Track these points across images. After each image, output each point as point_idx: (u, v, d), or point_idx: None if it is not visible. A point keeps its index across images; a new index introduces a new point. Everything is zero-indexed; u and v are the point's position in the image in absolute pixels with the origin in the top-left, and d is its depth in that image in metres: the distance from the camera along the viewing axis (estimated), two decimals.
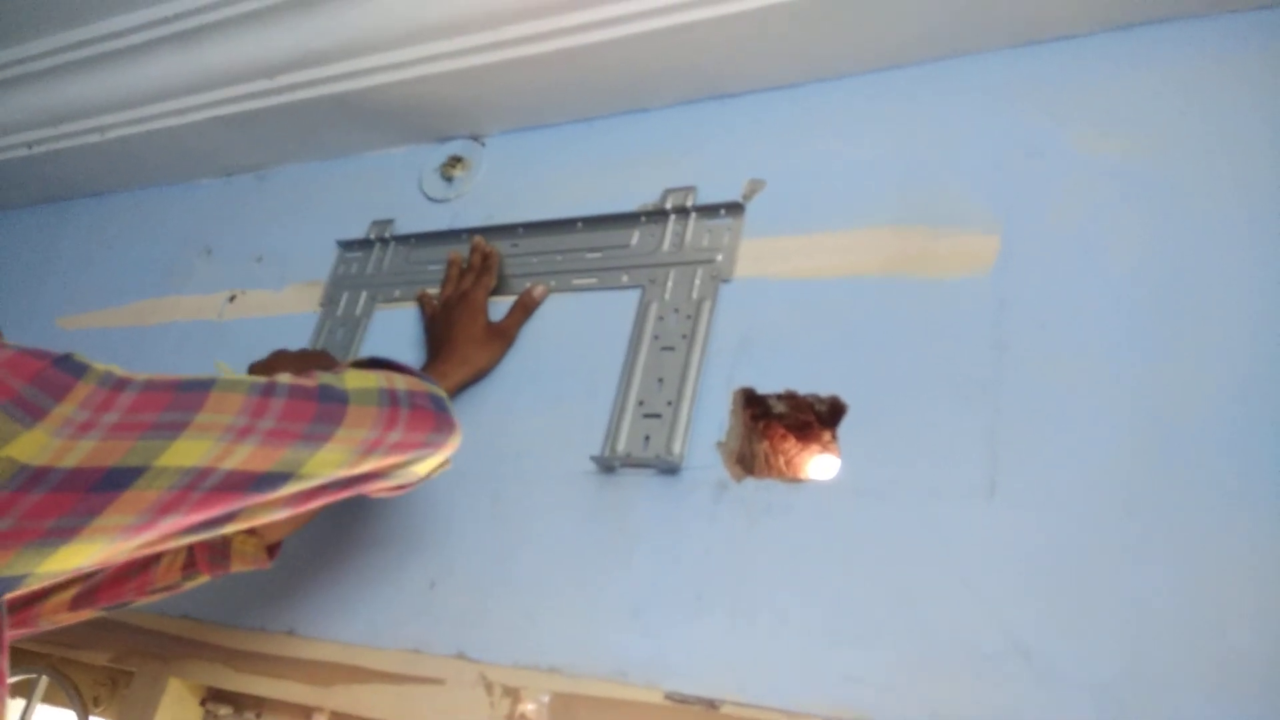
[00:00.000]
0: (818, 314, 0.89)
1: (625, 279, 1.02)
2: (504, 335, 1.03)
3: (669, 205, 1.03)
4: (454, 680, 0.86)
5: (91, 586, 0.80)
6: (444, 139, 1.28)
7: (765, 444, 0.93)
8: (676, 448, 0.87)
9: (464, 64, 1.12)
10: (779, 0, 0.93)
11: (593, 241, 1.07)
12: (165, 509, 0.54)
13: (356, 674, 0.91)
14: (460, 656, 0.87)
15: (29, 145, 1.52)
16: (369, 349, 1.15)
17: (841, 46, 0.99)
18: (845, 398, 0.84)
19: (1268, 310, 0.72)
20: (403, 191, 1.27)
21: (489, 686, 0.84)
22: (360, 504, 0.98)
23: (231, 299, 1.33)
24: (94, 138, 1.44)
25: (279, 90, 1.26)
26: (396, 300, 1.17)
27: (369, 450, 0.68)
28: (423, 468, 0.76)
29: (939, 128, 0.94)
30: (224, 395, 0.58)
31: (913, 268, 0.87)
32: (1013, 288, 0.82)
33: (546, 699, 0.81)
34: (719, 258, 0.97)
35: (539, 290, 1.06)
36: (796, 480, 0.84)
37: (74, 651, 1.10)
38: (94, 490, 0.50)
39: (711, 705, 0.75)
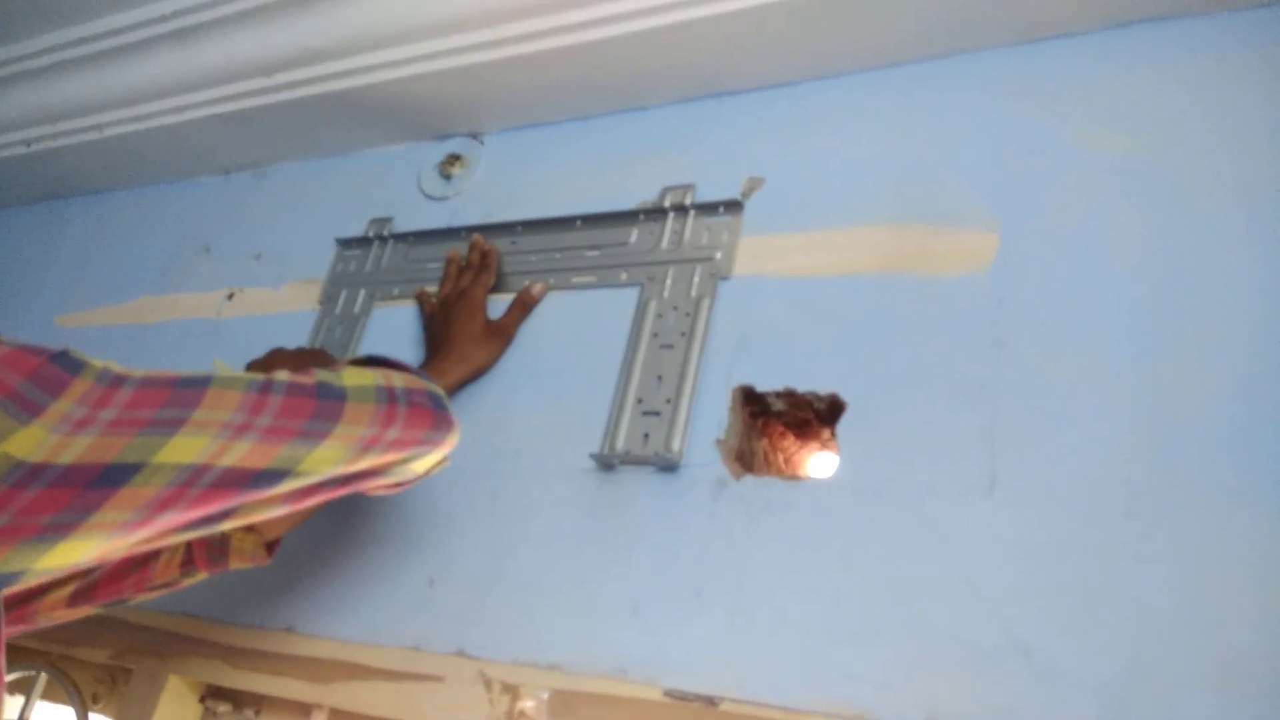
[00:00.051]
0: (816, 312, 0.89)
1: (624, 277, 1.02)
2: (503, 333, 1.03)
3: (668, 203, 1.03)
4: (453, 677, 0.86)
5: (90, 583, 0.79)
6: (443, 137, 1.28)
7: (764, 442, 0.93)
8: (675, 445, 0.87)
9: (463, 61, 1.12)
10: None
11: (591, 239, 1.06)
12: (162, 505, 0.54)
13: (356, 671, 0.91)
14: (459, 654, 0.87)
15: (27, 143, 1.51)
16: (367, 347, 1.15)
17: (840, 44, 0.99)
18: (844, 395, 0.84)
19: (1267, 308, 0.72)
20: (401, 189, 1.27)
21: (488, 684, 0.84)
22: (359, 501, 0.98)
23: (230, 297, 1.33)
24: (92, 135, 1.44)
25: (277, 88, 1.26)
26: (395, 298, 1.17)
27: (367, 447, 0.68)
28: (421, 465, 0.76)
29: (938, 125, 0.94)
30: (221, 392, 0.58)
31: (911, 266, 0.87)
32: (1012, 286, 0.82)
33: (546, 696, 0.81)
34: (718, 255, 0.97)
35: (538, 288, 1.06)
36: (795, 478, 0.84)
37: (73, 649, 1.10)
38: (91, 486, 0.50)
39: (710, 702, 0.75)
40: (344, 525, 1.01)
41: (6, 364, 0.49)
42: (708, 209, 1.01)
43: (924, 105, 0.96)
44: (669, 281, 0.98)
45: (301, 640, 0.96)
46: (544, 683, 0.82)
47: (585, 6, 1.03)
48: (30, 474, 0.48)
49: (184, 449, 0.54)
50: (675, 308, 0.96)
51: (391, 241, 1.22)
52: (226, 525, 0.61)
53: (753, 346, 0.91)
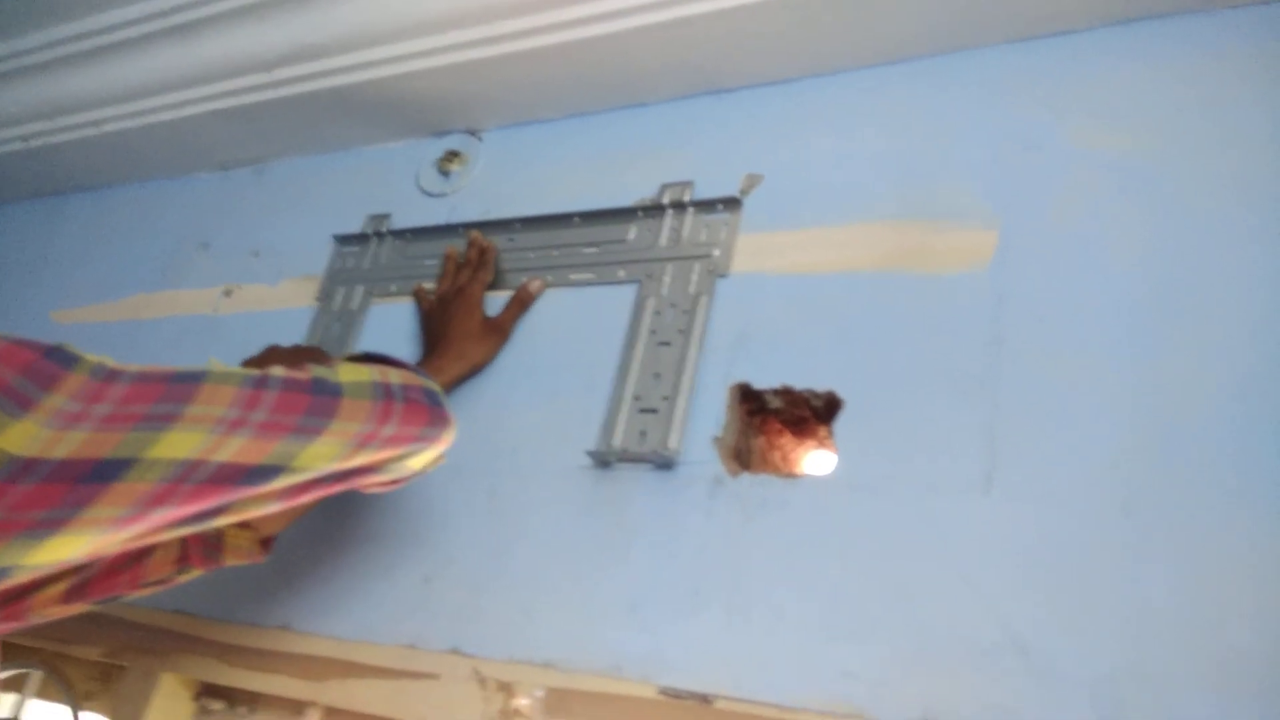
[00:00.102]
0: (814, 309, 0.89)
1: (622, 274, 1.01)
2: (500, 330, 1.03)
3: (666, 200, 1.03)
4: (448, 675, 0.86)
5: (83, 580, 0.79)
6: (441, 133, 1.28)
7: (761, 439, 0.92)
8: (673, 443, 0.87)
9: (461, 58, 1.12)
10: None
11: (589, 236, 1.06)
12: (156, 501, 0.54)
13: (350, 669, 0.91)
14: (455, 652, 0.87)
15: (25, 139, 1.51)
16: (365, 344, 1.14)
17: (839, 41, 0.98)
18: (842, 393, 0.84)
19: (1267, 306, 0.72)
20: (399, 186, 1.27)
21: (483, 681, 0.83)
22: (355, 499, 0.98)
23: (228, 293, 1.32)
24: (90, 131, 1.44)
25: (276, 84, 1.26)
26: (393, 295, 1.17)
27: (363, 444, 0.67)
28: (417, 462, 0.75)
29: (936, 123, 0.93)
30: (216, 387, 0.58)
31: (910, 263, 0.87)
32: (1010, 283, 0.82)
33: (541, 694, 0.81)
34: (716, 253, 0.97)
35: (535, 285, 1.06)
36: (792, 475, 0.83)
37: (67, 646, 1.10)
38: (84, 482, 0.50)
39: (705, 700, 0.75)
40: (340, 523, 1.01)
41: (0, 358, 0.49)
42: (706, 206, 1.00)
43: (922, 102, 0.95)
44: (667, 279, 0.98)
45: (296, 638, 0.96)
46: (539, 680, 0.81)
47: (583, 3, 1.03)
48: (22, 469, 0.48)
49: (178, 444, 0.54)
50: (673, 305, 0.95)
51: (389, 238, 1.22)
52: (220, 521, 0.61)
53: (750, 344, 0.90)
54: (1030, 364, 0.78)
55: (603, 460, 0.90)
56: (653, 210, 1.03)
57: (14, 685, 1.18)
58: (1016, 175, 0.87)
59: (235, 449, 0.57)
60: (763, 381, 0.88)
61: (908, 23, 0.94)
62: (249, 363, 0.94)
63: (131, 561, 0.80)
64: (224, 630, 1.00)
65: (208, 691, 1.04)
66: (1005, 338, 0.80)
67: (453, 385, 1.00)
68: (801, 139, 1.00)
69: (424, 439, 0.73)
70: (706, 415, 0.88)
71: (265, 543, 0.85)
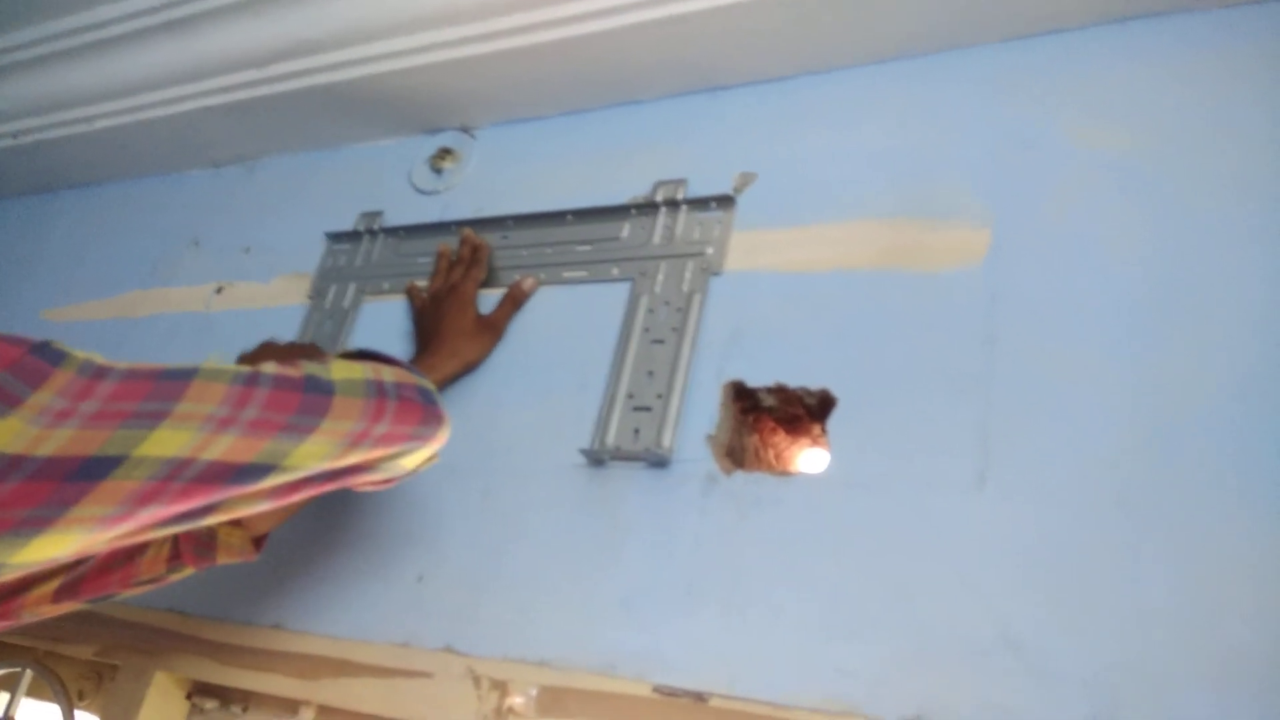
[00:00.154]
0: (808, 307, 0.89)
1: (615, 272, 1.01)
2: (493, 328, 1.03)
3: (659, 198, 1.03)
4: (442, 673, 0.85)
5: (75, 578, 0.79)
6: (434, 131, 1.27)
7: (755, 437, 0.92)
8: (666, 441, 0.87)
9: (454, 55, 1.12)
10: None
11: (583, 234, 1.06)
12: (144, 500, 0.53)
13: (344, 667, 0.91)
14: (448, 650, 0.87)
15: (15, 135, 1.50)
16: (357, 341, 1.14)
17: (834, 39, 0.98)
18: (835, 391, 0.84)
19: (1263, 303, 0.72)
20: (392, 183, 1.26)
21: (477, 680, 0.83)
22: (349, 497, 0.98)
23: (219, 291, 1.32)
24: (81, 128, 1.43)
25: (268, 80, 1.25)
26: (385, 293, 1.17)
27: (355, 442, 0.67)
28: (410, 461, 0.75)
29: (931, 120, 0.93)
30: (206, 385, 0.57)
31: (904, 260, 0.87)
32: (1005, 280, 0.82)
33: (534, 692, 0.80)
34: (709, 250, 0.97)
35: (529, 283, 1.05)
36: (786, 473, 0.83)
37: (59, 645, 1.09)
38: (70, 479, 0.49)
39: (700, 698, 0.75)
40: (333, 521, 1.01)
41: None
42: (700, 204, 1.00)
43: (918, 100, 0.95)
44: (660, 276, 0.98)
45: (289, 636, 0.96)
46: (533, 679, 0.81)
47: (577, 0, 1.02)
48: (8, 466, 0.47)
49: (166, 442, 0.53)
50: (667, 303, 0.95)
51: (382, 236, 1.21)
52: (210, 520, 0.60)
53: (744, 342, 0.90)
54: (1024, 362, 0.78)
55: (596, 458, 0.89)
56: (646, 208, 1.03)
57: (6, 684, 1.17)
58: (1012, 173, 0.87)
59: (225, 447, 0.57)
60: (756, 379, 0.88)
61: (903, 20, 0.94)
62: (244, 358, 0.94)
63: (124, 560, 0.79)
64: (217, 629, 1.00)
65: (201, 690, 1.04)
66: (999, 335, 0.80)
67: (446, 383, 0.99)
68: (795, 137, 1.00)
69: (417, 438, 0.73)
70: (700, 413, 0.88)
71: (258, 541, 0.85)
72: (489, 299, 1.07)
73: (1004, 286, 0.82)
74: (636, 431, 0.89)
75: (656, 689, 0.76)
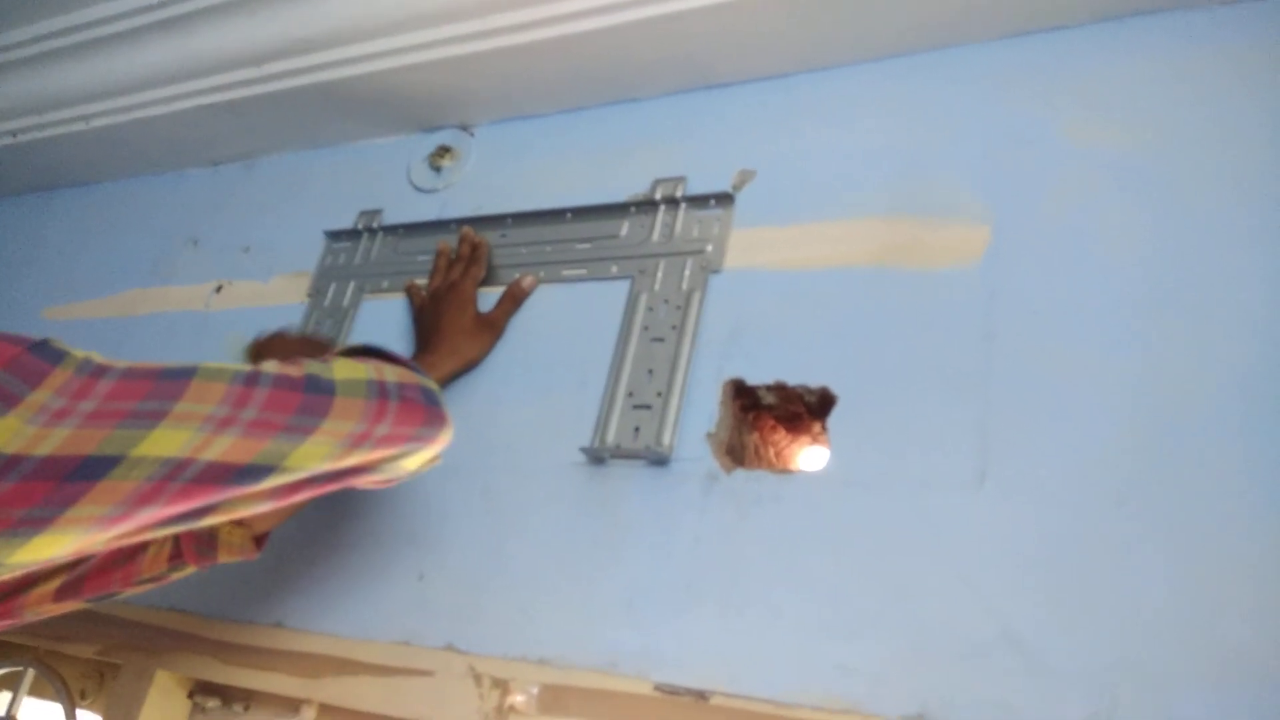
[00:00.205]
0: (808, 305, 0.89)
1: (615, 270, 1.01)
2: (493, 326, 1.03)
3: (659, 195, 1.03)
4: (443, 672, 0.86)
5: (77, 577, 0.79)
6: (432, 129, 1.27)
7: (755, 435, 0.93)
8: (666, 439, 0.87)
9: (453, 53, 1.12)
10: None
11: (582, 232, 1.06)
12: (142, 500, 0.53)
13: (345, 666, 0.91)
14: (450, 648, 0.87)
15: (14, 134, 1.50)
16: (356, 340, 1.14)
17: (833, 36, 0.98)
18: (835, 389, 0.84)
19: (1262, 301, 0.72)
20: (391, 181, 1.26)
21: (478, 678, 0.83)
22: (350, 496, 0.98)
23: (218, 290, 1.32)
24: (79, 126, 1.43)
25: (266, 79, 1.25)
26: (384, 291, 1.16)
27: (355, 443, 0.66)
28: (411, 463, 0.74)
29: (930, 118, 0.93)
30: (206, 384, 0.57)
31: (903, 258, 0.87)
32: (1003, 278, 0.82)
33: (536, 690, 0.81)
34: (709, 248, 0.97)
35: (528, 281, 1.05)
36: (786, 471, 0.83)
37: (61, 644, 1.09)
38: (68, 479, 0.49)
39: (701, 696, 0.75)
40: (334, 520, 1.01)
41: None
42: (699, 201, 1.00)
43: (916, 98, 0.95)
44: (660, 274, 0.98)
45: (291, 635, 0.96)
46: (534, 677, 0.81)
47: None
48: (5, 465, 0.47)
49: (165, 442, 0.53)
50: (666, 301, 0.95)
51: (381, 234, 1.21)
52: (210, 521, 0.60)
53: (744, 340, 0.90)
54: (1023, 359, 0.78)
55: (596, 457, 0.90)
56: (645, 206, 1.03)
57: (8, 683, 1.18)
58: (1010, 170, 0.86)
59: (224, 447, 0.57)
60: (756, 377, 0.88)
61: (902, 18, 0.94)
62: (257, 344, 0.94)
63: (125, 559, 0.79)
64: (219, 628, 1.00)
65: (202, 689, 1.04)
66: (998, 333, 0.80)
67: (446, 382, 0.99)
68: (794, 134, 1.00)
69: (419, 439, 0.72)
70: (700, 411, 0.88)
71: (259, 539, 0.85)
72: (488, 297, 1.06)
73: (1003, 284, 0.82)
74: (636, 430, 0.89)
75: (658, 687, 0.76)
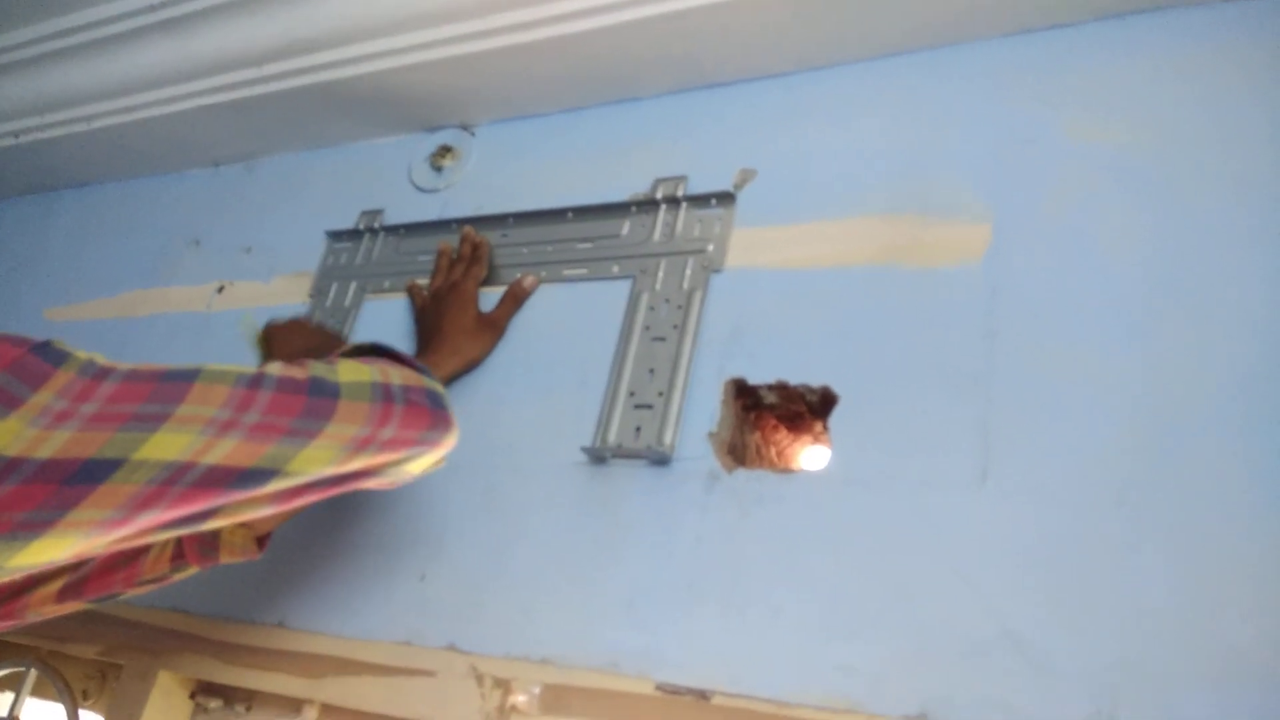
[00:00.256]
0: (809, 304, 0.89)
1: (616, 269, 1.01)
2: (494, 326, 1.03)
3: (660, 195, 1.03)
4: (445, 672, 0.86)
5: (79, 578, 0.79)
6: (433, 129, 1.27)
7: (757, 435, 0.92)
8: (668, 438, 0.87)
9: (454, 53, 1.12)
10: None
11: (583, 232, 1.06)
12: (143, 504, 0.53)
13: (347, 666, 0.91)
14: (451, 648, 0.87)
15: (15, 135, 1.50)
16: (358, 339, 1.14)
17: (834, 35, 0.98)
18: (836, 388, 0.84)
19: (1263, 299, 0.72)
20: (392, 181, 1.26)
21: (480, 678, 0.83)
22: (351, 496, 0.98)
23: (220, 290, 1.32)
24: (81, 127, 1.43)
25: (267, 79, 1.25)
26: (386, 291, 1.16)
27: (360, 448, 0.66)
28: (416, 466, 0.74)
29: (931, 116, 0.93)
30: (208, 387, 0.57)
31: (904, 257, 0.87)
32: (1005, 276, 0.82)
33: (537, 690, 0.81)
34: (710, 248, 0.97)
35: (529, 281, 1.05)
36: (788, 471, 0.83)
37: (63, 645, 1.10)
38: (69, 483, 0.49)
39: (703, 696, 0.75)
40: (336, 520, 1.01)
41: None
42: (700, 201, 1.00)
43: (917, 96, 0.95)
44: (661, 274, 0.97)
45: (292, 635, 0.96)
46: (536, 677, 0.81)
47: None
48: (6, 468, 0.47)
49: (166, 445, 0.53)
50: (667, 300, 0.95)
51: (382, 234, 1.21)
52: (211, 525, 0.60)
53: (745, 339, 0.90)
54: (1024, 358, 0.78)
55: (598, 456, 0.90)
56: (646, 205, 1.03)
57: (10, 684, 1.18)
58: (1011, 169, 0.86)
59: (226, 451, 0.56)
60: (758, 377, 0.88)
61: (902, 16, 0.94)
62: (272, 328, 0.95)
63: (127, 560, 0.80)
64: (221, 628, 1.00)
65: (204, 689, 1.04)
66: (999, 331, 0.80)
67: (447, 382, 0.99)
68: (795, 133, 1.00)
69: (424, 443, 0.72)
70: (701, 411, 0.88)
71: (261, 540, 0.85)
72: (490, 297, 1.07)
73: (1004, 282, 0.81)
74: (638, 429, 0.89)
75: (659, 687, 0.77)
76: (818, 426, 0.92)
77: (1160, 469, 0.69)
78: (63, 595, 0.78)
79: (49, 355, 0.50)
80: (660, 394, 0.90)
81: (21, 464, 0.47)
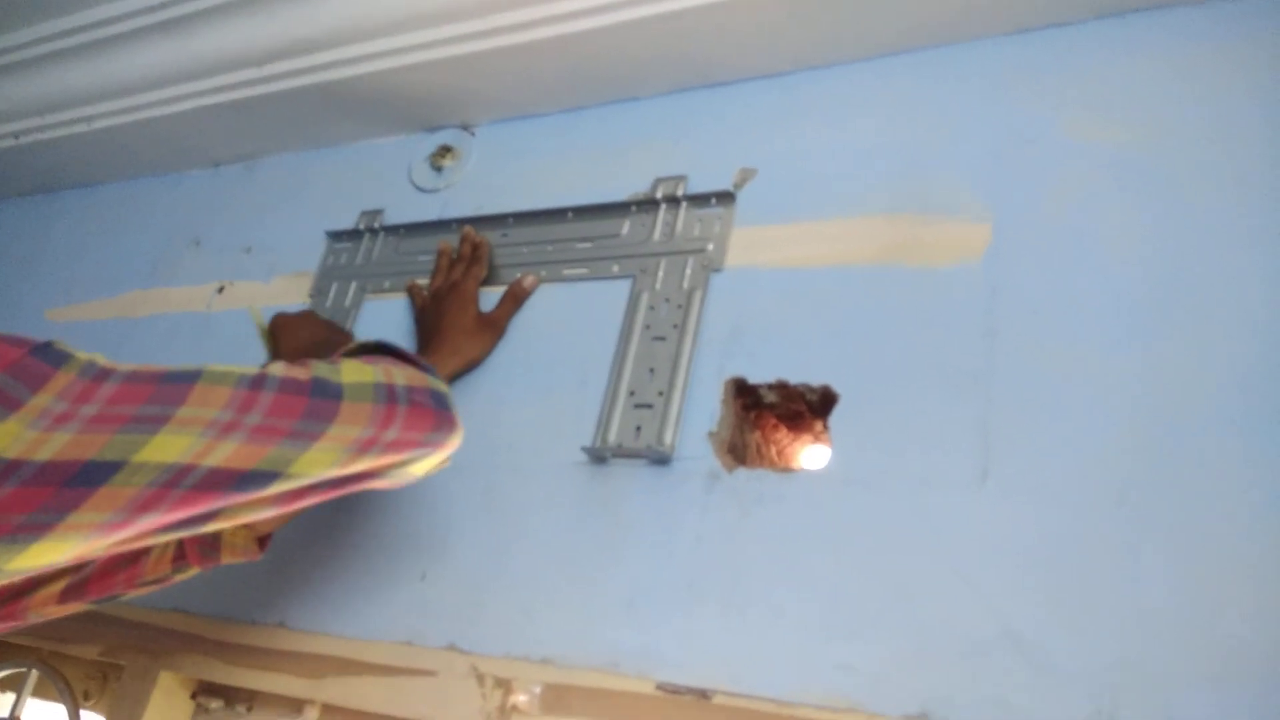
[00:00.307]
0: (809, 303, 0.89)
1: (616, 269, 1.01)
2: (495, 326, 1.03)
3: (660, 194, 1.03)
4: (446, 672, 0.86)
5: (81, 579, 0.79)
6: (433, 128, 1.27)
7: (757, 434, 0.93)
8: (668, 438, 0.87)
9: (453, 53, 1.12)
10: None
11: (583, 231, 1.06)
12: (143, 507, 0.52)
13: (348, 666, 0.91)
14: (452, 648, 0.87)
15: (15, 136, 1.50)
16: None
17: (832, 34, 0.98)
18: (836, 387, 0.84)
19: (1263, 298, 0.72)
20: (392, 181, 1.26)
21: (480, 678, 0.84)
22: (352, 496, 0.97)
23: (220, 290, 1.32)
24: (81, 128, 1.43)
25: (267, 79, 1.25)
26: (386, 291, 1.17)
27: (363, 449, 0.65)
28: (420, 467, 0.73)
29: (931, 115, 0.93)
30: (210, 388, 0.56)
31: (904, 256, 0.87)
32: (1005, 275, 0.82)
33: (538, 690, 0.81)
34: (710, 247, 0.97)
35: (529, 280, 1.05)
36: (788, 470, 0.83)
37: (64, 645, 1.10)
38: (68, 485, 0.49)
39: (703, 695, 0.75)
40: (337, 520, 1.01)
41: None
42: (700, 200, 1.00)
43: (917, 95, 0.95)
44: (661, 273, 0.98)
45: (294, 636, 0.96)
46: (536, 677, 0.81)
47: None
48: (5, 471, 0.46)
49: (167, 448, 0.52)
50: (667, 300, 0.95)
51: (382, 234, 1.21)
52: (212, 527, 0.59)
53: (745, 338, 0.90)
54: (1024, 357, 0.78)
55: (598, 456, 0.90)
56: (646, 205, 1.03)
57: (12, 684, 1.18)
58: (1011, 168, 0.86)
59: (227, 453, 0.56)
60: (758, 376, 0.88)
61: (902, 15, 0.94)
62: (279, 319, 0.96)
63: (129, 561, 0.80)
64: (222, 628, 1.00)
65: (206, 690, 1.04)
66: (999, 331, 0.80)
67: (448, 382, 0.99)
68: (795, 132, 1.00)
69: (429, 444, 0.71)
70: (701, 410, 0.88)
71: (262, 541, 0.85)
72: (490, 297, 1.07)
73: (1004, 282, 0.81)
74: (638, 429, 0.89)
75: (660, 686, 0.77)
76: (818, 426, 0.92)
77: (1160, 469, 0.69)
78: (64, 596, 0.78)
79: (49, 357, 0.50)
80: (660, 393, 0.90)
81: (21, 466, 0.47)
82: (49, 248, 1.59)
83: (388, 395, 0.68)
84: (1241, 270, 0.73)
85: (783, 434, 0.95)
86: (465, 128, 1.25)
